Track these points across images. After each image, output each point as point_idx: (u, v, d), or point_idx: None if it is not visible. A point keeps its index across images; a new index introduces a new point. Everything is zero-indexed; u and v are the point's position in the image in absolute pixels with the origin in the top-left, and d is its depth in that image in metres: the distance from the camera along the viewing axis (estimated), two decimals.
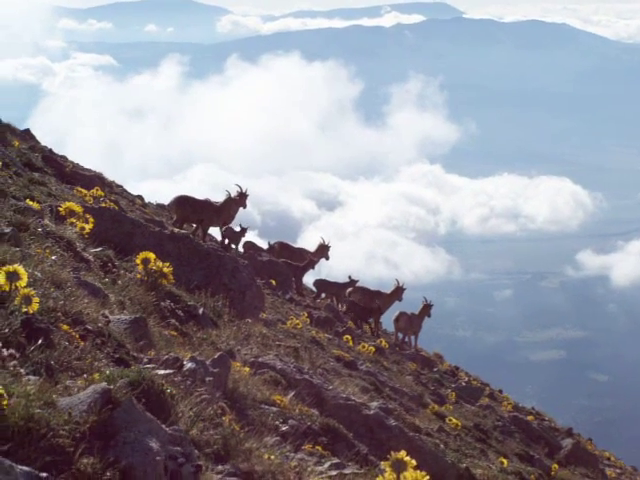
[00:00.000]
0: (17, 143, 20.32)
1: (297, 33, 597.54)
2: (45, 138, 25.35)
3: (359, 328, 27.73)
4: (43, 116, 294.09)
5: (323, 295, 30.91)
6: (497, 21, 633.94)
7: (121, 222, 13.41)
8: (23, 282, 6.37)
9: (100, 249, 10.99)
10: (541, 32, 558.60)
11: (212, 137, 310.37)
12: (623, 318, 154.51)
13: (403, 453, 5.97)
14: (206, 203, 22.28)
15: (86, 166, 25.67)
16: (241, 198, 22.56)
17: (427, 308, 29.69)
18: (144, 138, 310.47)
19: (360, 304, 28.82)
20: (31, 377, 5.42)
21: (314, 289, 31.49)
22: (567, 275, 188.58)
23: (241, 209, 22.73)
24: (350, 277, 30.46)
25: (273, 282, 25.87)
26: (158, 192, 47.15)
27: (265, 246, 32.31)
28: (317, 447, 8.60)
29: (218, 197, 22.83)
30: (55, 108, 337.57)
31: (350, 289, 29.89)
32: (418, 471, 5.90)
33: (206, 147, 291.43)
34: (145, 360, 7.11)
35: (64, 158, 24.03)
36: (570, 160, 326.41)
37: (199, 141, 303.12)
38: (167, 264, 10.51)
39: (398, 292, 29.95)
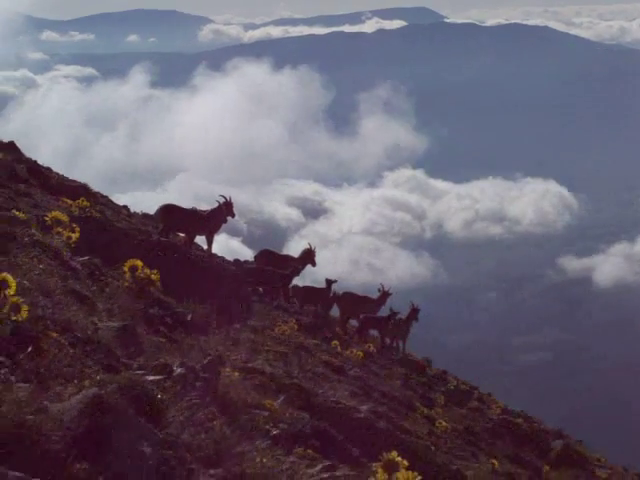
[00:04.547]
0: (1, 155, 20.26)
1: (278, 40, 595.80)
2: None
3: (346, 334, 27.72)
4: (15, 125, 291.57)
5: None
6: (479, 25, 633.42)
7: (107, 231, 13.42)
8: (11, 290, 6.37)
9: (87, 258, 10.99)
10: (523, 35, 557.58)
11: (182, 147, 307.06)
12: (607, 319, 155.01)
13: (394, 454, 5.99)
14: (192, 212, 22.22)
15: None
16: (228, 207, 22.45)
17: (414, 312, 29.71)
18: (112, 148, 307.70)
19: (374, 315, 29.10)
20: (22, 384, 5.42)
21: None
22: (552, 277, 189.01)
23: (229, 218, 22.64)
24: (327, 279, 29.95)
25: (260, 289, 25.96)
26: (142, 202, 46.96)
27: (252, 254, 32.37)
28: (308, 450, 8.61)
29: (204, 207, 22.79)
30: (27, 117, 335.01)
31: (334, 293, 29.62)
32: (410, 472, 5.92)
33: (177, 158, 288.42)
34: (135, 366, 7.11)
35: (49, 170, 23.95)
36: (555, 163, 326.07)
37: (169, 151, 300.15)
38: (154, 271, 10.52)
39: (385, 297, 30.04)
